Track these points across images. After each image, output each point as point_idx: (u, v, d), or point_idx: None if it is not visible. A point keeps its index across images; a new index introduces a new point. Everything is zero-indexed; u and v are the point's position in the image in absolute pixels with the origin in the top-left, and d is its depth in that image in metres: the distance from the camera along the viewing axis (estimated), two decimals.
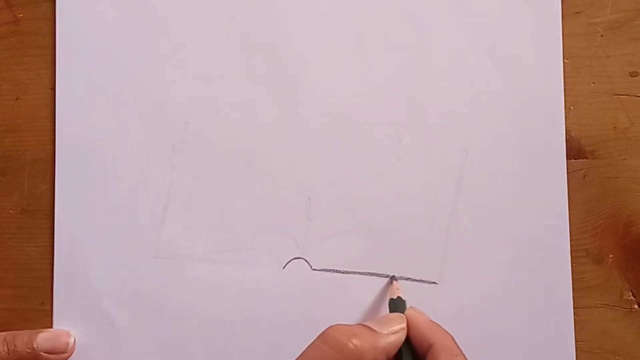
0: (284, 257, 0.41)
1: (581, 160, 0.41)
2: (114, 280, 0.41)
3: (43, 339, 0.40)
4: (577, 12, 0.41)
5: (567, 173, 0.40)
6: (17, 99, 0.43)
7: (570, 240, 0.40)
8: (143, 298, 0.41)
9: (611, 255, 0.40)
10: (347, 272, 0.41)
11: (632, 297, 0.40)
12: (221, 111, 0.42)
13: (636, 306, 0.40)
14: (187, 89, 0.42)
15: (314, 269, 0.41)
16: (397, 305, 0.38)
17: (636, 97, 0.41)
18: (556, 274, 0.40)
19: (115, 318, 0.41)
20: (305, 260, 0.41)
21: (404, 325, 0.37)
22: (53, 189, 0.42)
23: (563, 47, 0.41)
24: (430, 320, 0.37)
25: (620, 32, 0.41)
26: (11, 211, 0.42)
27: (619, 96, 0.41)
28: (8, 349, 0.39)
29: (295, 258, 0.41)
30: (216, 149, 0.41)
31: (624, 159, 0.40)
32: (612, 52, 0.41)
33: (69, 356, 0.41)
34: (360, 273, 0.41)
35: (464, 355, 0.36)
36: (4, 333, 0.40)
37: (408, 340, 0.36)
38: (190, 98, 0.42)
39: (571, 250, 0.40)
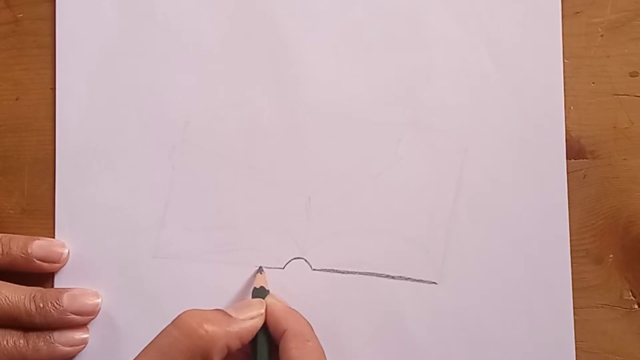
0: (284, 257, 0.41)
1: (581, 160, 0.41)
2: (113, 280, 0.41)
3: (38, 245, 0.40)
4: (577, 12, 0.41)
5: (567, 173, 0.40)
6: (17, 99, 0.43)
7: (570, 240, 0.40)
8: (143, 298, 0.41)
9: (611, 255, 0.40)
10: (347, 272, 0.41)
11: (632, 297, 0.40)
12: (221, 111, 0.42)
13: (636, 306, 0.40)
14: (187, 89, 0.42)
15: (314, 269, 0.41)
16: (259, 294, 0.38)
17: (636, 97, 0.41)
18: (556, 274, 0.40)
19: (115, 318, 0.41)
20: (305, 260, 0.41)
21: (262, 311, 0.37)
22: (53, 189, 0.42)
23: (563, 47, 0.41)
24: (288, 307, 0.38)
25: (620, 32, 0.41)
26: (11, 211, 0.42)
27: (619, 96, 0.41)
28: (2, 251, 0.40)
29: (295, 258, 0.41)
30: (216, 149, 0.41)
31: (624, 159, 0.40)
32: (612, 52, 0.41)
33: (61, 267, 0.41)
34: (360, 273, 0.41)
35: (318, 342, 0.36)
36: (1, 235, 0.40)
37: (266, 327, 0.37)
38: (190, 98, 0.42)
39: (571, 250, 0.40)
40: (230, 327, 0.35)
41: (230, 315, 0.35)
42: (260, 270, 0.40)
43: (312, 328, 0.37)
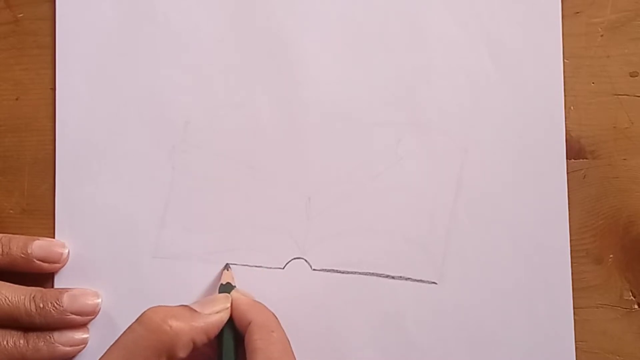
0: (284, 257, 0.41)
1: (581, 160, 0.41)
2: (113, 280, 0.41)
3: (38, 246, 0.40)
4: (577, 12, 0.41)
5: (567, 173, 0.40)
6: (17, 99, 0.43)
7: (570, 240, 0.40)
8: (143, 298, 0.41)
9: (611, 255, 0.40)
10: (347, 272, 0.41)
11: (632, 297, 0.40)
12: (221, 111, 0.42)
13: (636, 306, 0.40)
14: (187, 89, 0.42)
15: (314, 269, 0.41)
16: (225, 289, 0.39)
17: (636, 97, 0.41)
18: (556, 274, 0.40)
19: (115, 318, 0.41)
20: (305, 260, 0.41)
21: (228, 305, 0.37)
22: (53, 189, 0.42)
23: (563, 47, 0.41)
24: (253, 300, 0.38)
25: (620, 32, 0.41)
26: (11, 211, 0.42)
27: (619, 96, 0.41)
28: (2, 251, 0.39)
29: (295, 258, 0.41)
30: (216, 149, 0.41)
31: (624, 159, 0.40)
32: (612, 52, 0.41)
33: (61, 267, 0.41)
34: (360, 273, 0.41)
35: (283, 332, 0.36)
36: (1, 235, 0.40)
37: (232, 321, 0.37)
38: (190, 98, 0.42)
39: (571, 250, 0.40)
40: (195, 322, 0.35)
41: (195, 311, 0.36)
42: (227, 267, 0.40)
43: (277, 319, 0.37)
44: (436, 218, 0.40)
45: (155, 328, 0.34)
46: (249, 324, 0.36)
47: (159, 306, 0.35)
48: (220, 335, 0.37)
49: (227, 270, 0.40)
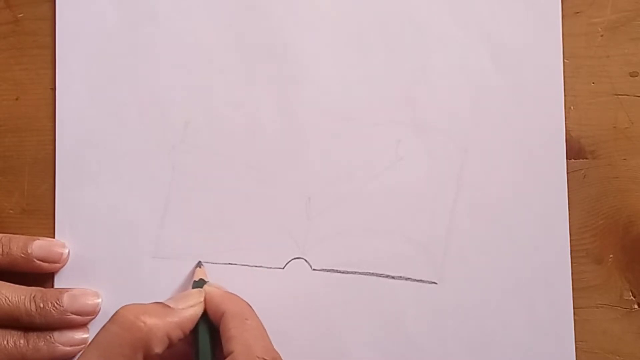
0: (284, 257, 0.41)
1: (581, 160, 0.41)
2: (113, 280, 0.41)
3: (38, 246, 0.40)
4: (577, 12, 0.41)
5: (567, 173, 0.40)
6: (17, 99, 0.43)
7: (570, 240, 0.40)
8: (143, 298, 0.41)
9: (611, 255, 0.40)
10: (347, 272, 0.41)
11: (632, 297, 0.40)
12: (221, 111, 0.42)
13: (636, 306, 0.40)
14: (187, 89, 0.42)
15: (314, 269, 0.41)
16: (198, 285, 0.39)
17: (636, 97, 0.41)
18: (556, 274, 0.40)
19: None
20: (305, 260, 0.41)
21: (201, 299, 0.37)
22: (53, 189, 0.42)
23: (563, 47, 0.41)
24: (226, 292, 0.38)
25: (620, 32, 0.41)
26: (11, 211, 0.42)
27: (619, 96, 0.41)
28: (2, 251, 0.39)
29: (295, 258, 0.41)
30: (216, 149, 0.41)
31: (624, 159, 0.40)
32: (612, 52, 0.41)
33: (61, 267, 0.41)
34: (360, 273, 0.41)
35: (258, 320, 0.36)
36: (1, 235, 0.40)
37: (206, 315, 0.37)
38: (190, 98, 0.42)
39: (571, 250, 0.40)
40: (169, 317, 0.35)
41: (169, 307, 0.36)
42: (199, 264, 0.40)
43: (252, 308, 0.37)
44: (436, 218, 0.40)
45: (129, 325, 0.34)
46: (223, 314, 0.36)
47: (132, 304, 0.35)
48: (195, 330, 0.37)
49: (200, 267, 0.40)
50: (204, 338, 0.37)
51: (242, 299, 0.38)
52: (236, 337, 0.35)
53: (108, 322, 0.34)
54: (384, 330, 0.40)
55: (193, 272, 0.40)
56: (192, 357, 0.37)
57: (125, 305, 0.35)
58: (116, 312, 0.35)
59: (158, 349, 0.34)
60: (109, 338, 0.34)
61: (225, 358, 0.34)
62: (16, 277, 0.40)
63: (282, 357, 0.35)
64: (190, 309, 0.36)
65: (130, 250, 0.41)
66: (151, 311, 0.35)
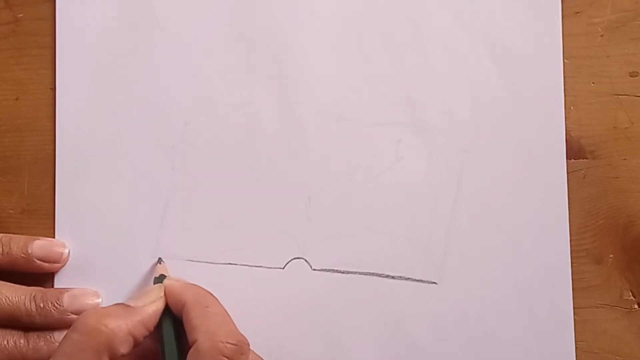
0: (284, 257, 0.41)
1: (581, 160, 0.41)
2: (113, 280, 0.41)
3: (38, 246, 0.40)
4: (577, 12, 0.41)
5: (567, 173, 0.40)
6: (17, 99, 0.43)
7: (570, 240, 0.40)
8: None
9: (611, 255, 0.40)
10: (347, 272, 0.41)
11: (632, 297, 0.40)
12: (221, 111, 0.42)
13: (636, 306, 0.40)
14: (187, 89, 0.42)
15: (314, 269, 0.41)
16: (159, 281, 0.39)
17: (636, 97, 0.41)
18: (556, 274, 0.40)
19: None
20: (305, 260, 0.41)
21: (162, 294, 0.37)
22: (53, 189, 0.42)
23: (563, 47, 0.41)
24: (186, 283, 0.38)
25: (620, 32, 0.41)
26: (11, 211, 0.42)
27: (619, 96, 0.41)
28: (2, 251, 0.40)
29: (295, 258, 0.41)
30: (216, 149, 0.41)
31: (624, 159, 0.40)
32: (612, 52, 0.41)
33: (61, 267, 0.41)
34: (360, 273, 0.41)
35: (221, 307, 0.36)
36: (1, 235, 0.40)
37: (169, 309, 0.37)
38: (190, 98, 0.42)
39: (571, 250, 0.40)
40: (130, 316, 0.35)
41: (129, 306, 0.36)
42: (159, 261, 0.40)
43: (213, 296, 0.37)
44: (436, 218, 0.40)
45: (90, 330, 0.34)
46: (184, 305, 0.36)
47: (92, 309, 0.36)
48: (160, 325, 0.37)
49: (160, 263, 0.40)
50: (168, 332, 0.37)
51: (202, 288, 0.38)
52: (198, 325, 0.35)
53: (69, 330, 0.34)
54: (384, 330, 0.40)
55: (153, 269, 0.40)
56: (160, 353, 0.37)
57: (86, 311, 0.35)
58: (77, 319, 0.35)
59: (123, 349, 0.34)
60: (71, 346, 0.34)
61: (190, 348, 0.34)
62: (16, 277, 0.40)
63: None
64: (151, 305, 0.36)
65: (130, 250, 0.41)
66: (112, 313, 0.35)
